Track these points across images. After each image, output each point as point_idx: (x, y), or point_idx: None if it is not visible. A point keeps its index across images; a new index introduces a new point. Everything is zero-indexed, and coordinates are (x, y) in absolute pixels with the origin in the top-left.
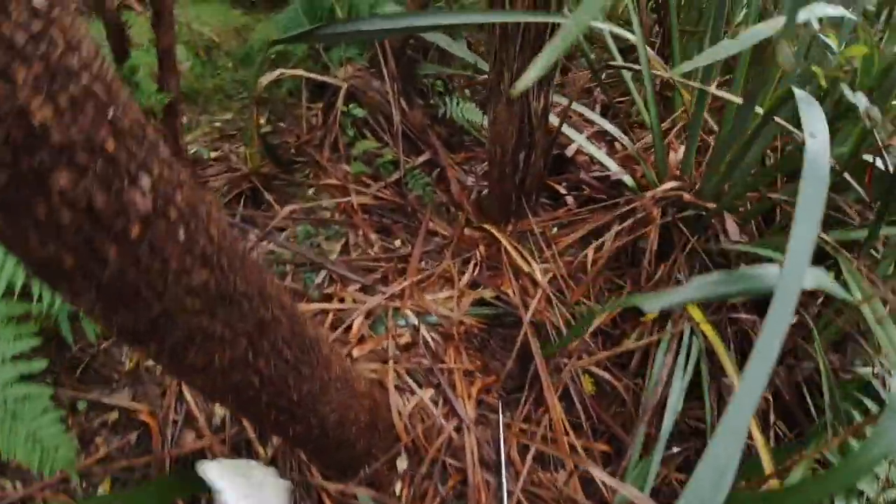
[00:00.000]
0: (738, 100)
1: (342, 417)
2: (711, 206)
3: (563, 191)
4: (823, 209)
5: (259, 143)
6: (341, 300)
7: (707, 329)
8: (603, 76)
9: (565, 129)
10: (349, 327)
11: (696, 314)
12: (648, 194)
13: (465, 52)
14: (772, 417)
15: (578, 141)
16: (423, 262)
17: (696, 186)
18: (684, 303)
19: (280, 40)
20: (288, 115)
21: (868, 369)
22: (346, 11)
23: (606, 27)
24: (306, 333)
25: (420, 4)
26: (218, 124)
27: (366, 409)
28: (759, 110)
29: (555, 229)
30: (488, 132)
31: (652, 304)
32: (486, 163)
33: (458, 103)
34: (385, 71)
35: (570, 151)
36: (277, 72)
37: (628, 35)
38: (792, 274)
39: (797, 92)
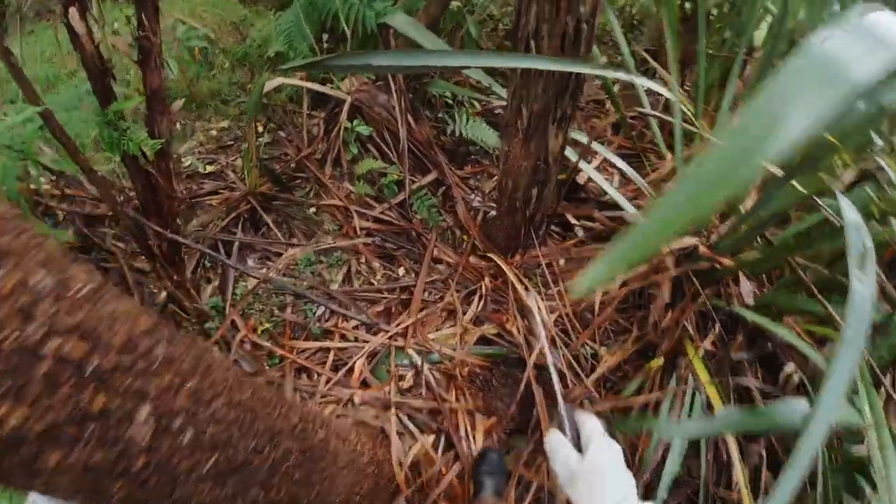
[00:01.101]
0: (779, 172)
1: (348, 497)
2: (728, 262)
3: (573, 220)
4: (860, 357)
5: (257, 159)
6: (343, 336)
7: (712, 391)
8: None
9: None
10: (351, 369)
11: (703, 375)
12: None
13: (481, 74)
14: (764, 475)
15: (593, 177)
16: (426, 293)
17: (713, 238)
18: (707, 435)
19: (286, 67)
20: (288, 122)
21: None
22: (351, 21)
23: (640, 81)
24: (314, 444)
25: (431, 18)
26: (214, 133)
27: (370, 476)
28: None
29: (562, 261)
30: (500, 163)
31: (671, 433)
32: (493, 178)
33: (467, 120)
34: (393, 85)
35: (581, 179)
36: (277, 81)
37: (663, 91)
38: (821, 420)
39: (850, 217)
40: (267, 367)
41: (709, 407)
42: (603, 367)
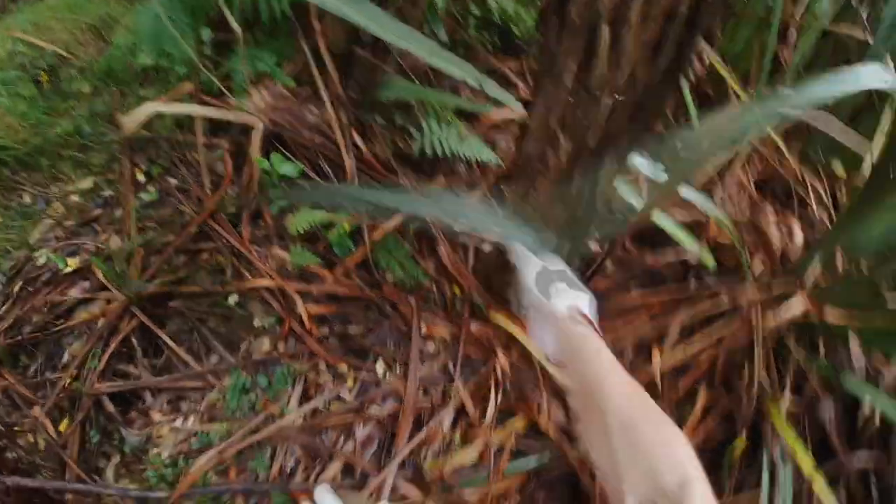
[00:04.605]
0: None
1: None
2: (835, 320)
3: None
4: None
5: (136, 236)
6: None
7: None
8: None
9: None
10: None
11: (791, 441)
12: (753, 294)
13: (465, 69)
14: None
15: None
16: (422, 393)
17: (809, 285)
18: None
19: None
20: (179, 161)
21: None
22: (247, 4)
23: None
24: None
25: None
26: (75, 198)
27: None
28: None
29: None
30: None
31: None
32: (476, 190)
33: (442, 128)
34: (325, 93)
35: None
36: (149, 107)
37: None
38: None
39: None
40: None
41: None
42: None
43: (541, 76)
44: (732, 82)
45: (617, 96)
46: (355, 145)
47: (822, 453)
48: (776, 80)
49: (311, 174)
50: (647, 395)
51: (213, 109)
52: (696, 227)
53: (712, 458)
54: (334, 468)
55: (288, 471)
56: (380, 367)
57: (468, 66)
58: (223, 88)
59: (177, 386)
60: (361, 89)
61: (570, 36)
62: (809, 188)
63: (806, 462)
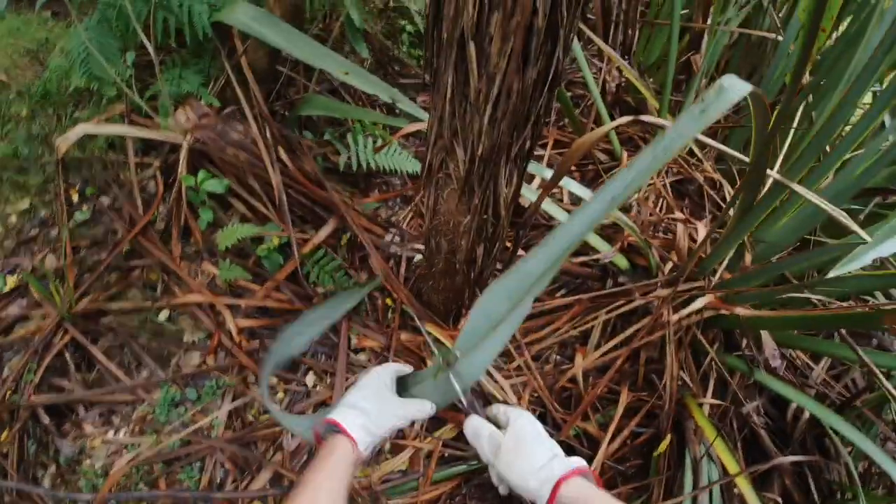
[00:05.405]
0: (827, 206)
1: None
2: (744, 313)
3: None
4: None
5: (71, 256)
6: None
7: (723, 454)
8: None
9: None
10: None
11: (711, 435)
12: (662, 292)
13: (379, 86)
14: None
15: (555, 215)
16: None
17: (716, 281)
18: None
19: None
20: (111, 181)
21: None
22: (171, 25)
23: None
24: None
25: (290, 5)
26: (13, 219)
27: None
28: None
29: None
30: (426, 218)
31: None
32: (410, 204)
33: (368, 143)
34: (248, 110)
35: (523, 201)
36: (80, 129)
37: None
38: None
39: None
40: None
41: (725, 471)
42: (602, 453)
43: (430, 90)
44: (646, 92)
45: (493, 106)
46: (281, 161)
47: (755, 451)
48: (689, 87)
49: (239, 190)
50: None
51: (140, 129)
52: (615, 232)
53: (642, 458)
54: (263, 478)
55: (217, 481)
56: (310, 378)
57: (381, 83)
58: (149, 109)
59: (108, 399)
60: (289, 106)
61: (446, 51)
62: (724, 189)
63: (729, 461)
